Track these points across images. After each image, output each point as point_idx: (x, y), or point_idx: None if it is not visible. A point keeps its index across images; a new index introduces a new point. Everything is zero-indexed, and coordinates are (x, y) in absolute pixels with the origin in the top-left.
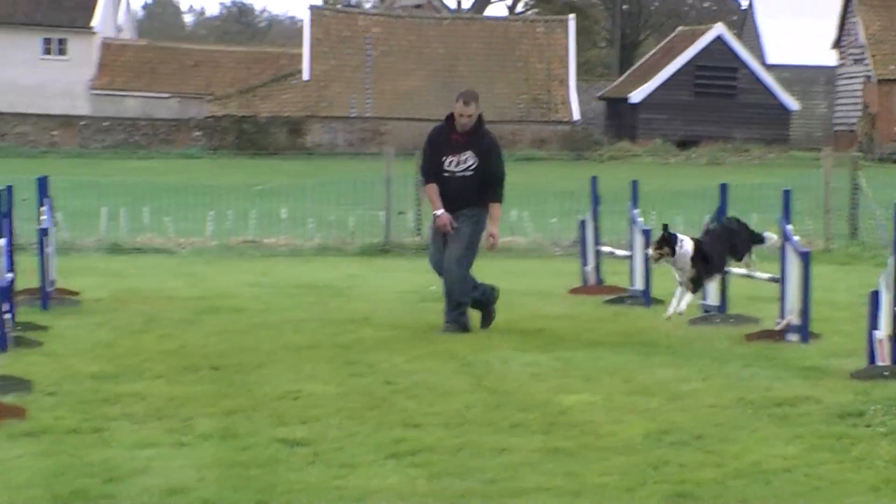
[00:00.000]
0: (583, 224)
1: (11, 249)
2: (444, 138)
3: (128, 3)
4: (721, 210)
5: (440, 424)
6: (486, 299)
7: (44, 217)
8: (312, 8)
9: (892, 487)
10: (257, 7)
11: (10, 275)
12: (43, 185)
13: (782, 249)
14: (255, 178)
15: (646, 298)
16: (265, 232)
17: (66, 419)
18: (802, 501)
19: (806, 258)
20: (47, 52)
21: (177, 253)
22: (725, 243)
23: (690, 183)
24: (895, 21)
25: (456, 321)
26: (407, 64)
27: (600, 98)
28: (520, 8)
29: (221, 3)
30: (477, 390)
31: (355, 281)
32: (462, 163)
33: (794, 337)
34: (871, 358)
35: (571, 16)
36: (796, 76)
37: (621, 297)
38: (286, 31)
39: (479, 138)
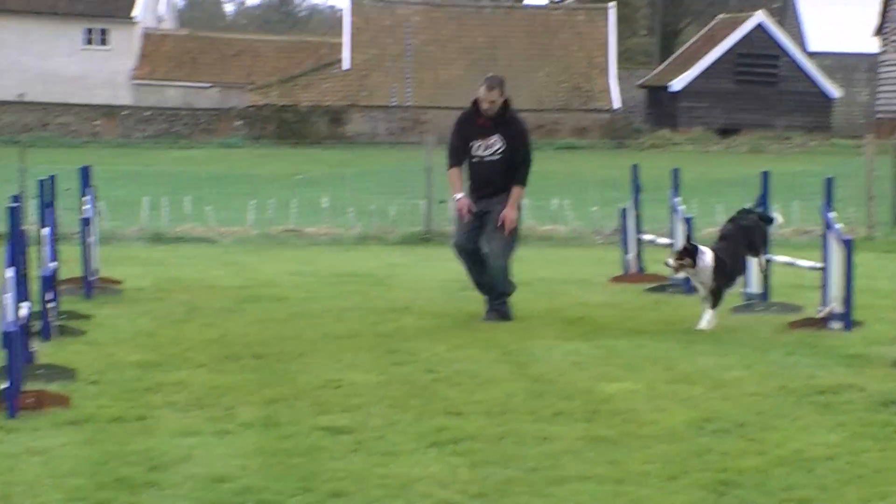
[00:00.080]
0: (624, 212)
1: (55, 239)
2: (471, 123)
3: None
4: (763, 198)
5: (482, 413)
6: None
7: (86, 207)
8: None
9: None
10: None
11: (53, 264)
12: (85, 174)
13: (824, 237)
14: (296, 167)
15: (687, 287)
16: (306, 221)
17: (109, 408)
18: (845, 489)
19: (848, 246)
20: (89, 42)
21: (218, 242)
22: (742, 243)
23: (731, 171)
24: None
25: (498, 310)
26: (447, 53)
27: (641, 86)
28: None
29: None
30: (519, 379)
31: (396, 270)
32: (490, 147)
33: (836, 325)
34: None
35: (612, 4)
36: (838, 63)
37: (663, 286)
38: (326, 20)
39: (506, 122)
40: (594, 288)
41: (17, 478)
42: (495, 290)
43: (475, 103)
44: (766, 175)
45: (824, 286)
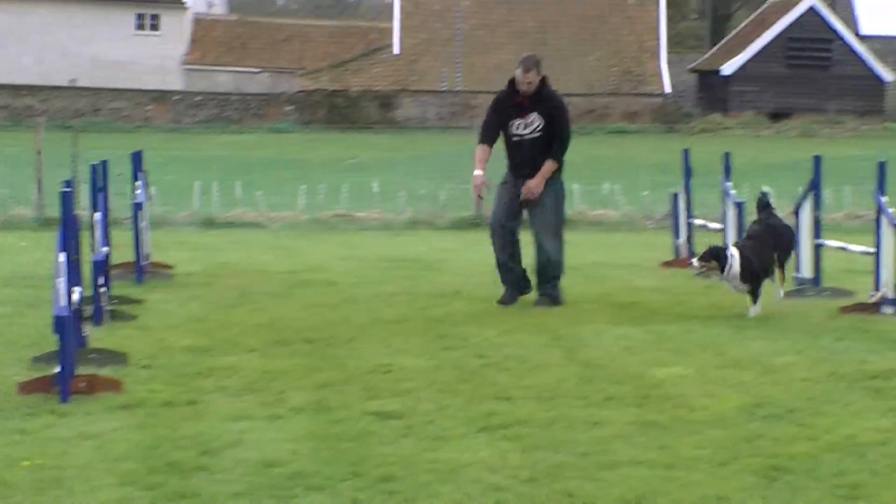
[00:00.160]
0: (675, 197)
1: (107, 224)
2: (509, 102)
3: None
4: (815, 182)
5: (532, 398)
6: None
7: (138, 192)
8: None
9: None
10: None
11: (105, 249)
12: (137, 159)
13: (877, 222)
14: (347, 152)
15: None
16: (356, 206)
17: (160, 392)
18: None
19: None
20: (140, 27)
21: (268, 227)
22: (769, 242)
23: (783, 155)
24: None
25: (548, 294)
26: (497, 37)
27: (691, 70)
28: None
29: None
30: (569, 363)
31: (446, 255)
32: (529, 125)
33: (888, 310)
34: None
35: None
36: (889, 47)
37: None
38: (376, 5)
39: (543, 100)
40: (645, 273)
41: (69, 462)
42: (547, 272)
43: (511, 83)
44: (818, 159)
45: (876, 271)
